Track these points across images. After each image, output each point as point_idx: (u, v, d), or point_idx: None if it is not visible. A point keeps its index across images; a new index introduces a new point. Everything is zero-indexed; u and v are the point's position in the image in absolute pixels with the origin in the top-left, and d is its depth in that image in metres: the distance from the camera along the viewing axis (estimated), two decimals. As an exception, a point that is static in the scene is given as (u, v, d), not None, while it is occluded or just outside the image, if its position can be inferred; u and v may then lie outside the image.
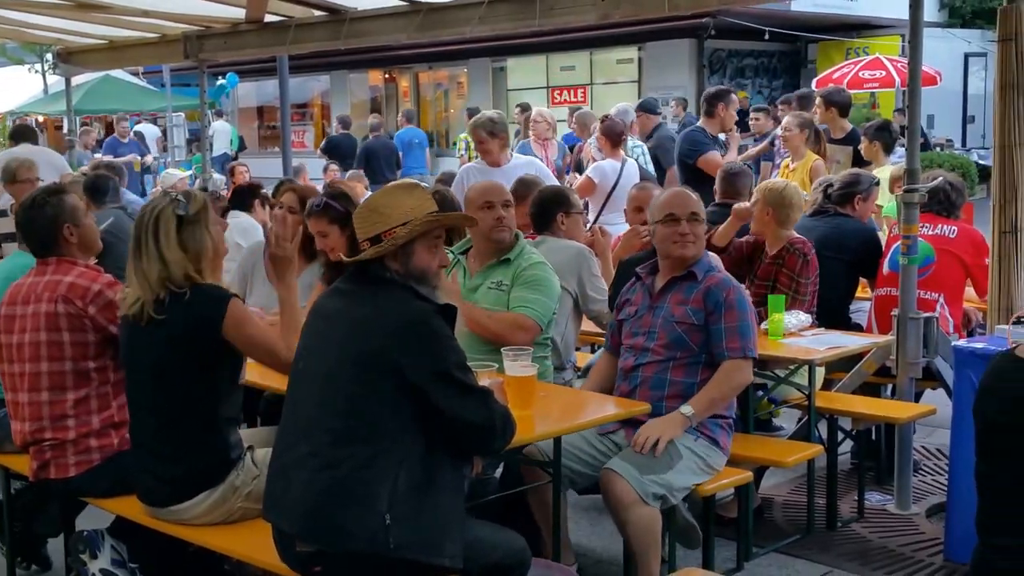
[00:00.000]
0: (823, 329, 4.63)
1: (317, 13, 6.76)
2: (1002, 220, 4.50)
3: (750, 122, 9.97)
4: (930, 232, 4.98)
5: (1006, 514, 2.63)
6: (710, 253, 4.14)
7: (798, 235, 4.89)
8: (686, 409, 3.59)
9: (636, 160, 8.20)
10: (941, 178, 4.91)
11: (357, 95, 25.04)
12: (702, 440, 3.65)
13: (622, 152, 7.34)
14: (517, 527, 3.35)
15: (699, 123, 7.55)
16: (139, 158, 15.29)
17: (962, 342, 4.26)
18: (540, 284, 4.02)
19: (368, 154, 12.34)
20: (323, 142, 15.43)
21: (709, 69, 19.30)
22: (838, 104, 7.44)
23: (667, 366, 3.73)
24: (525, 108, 11.76)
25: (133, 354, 3.26)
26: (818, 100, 7.66)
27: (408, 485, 2.65)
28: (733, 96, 7.18)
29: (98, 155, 13.76)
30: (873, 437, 5.13)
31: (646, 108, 9.22)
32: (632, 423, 3.66)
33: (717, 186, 5.63)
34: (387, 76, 24.85)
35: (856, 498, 4.71)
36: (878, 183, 5.44)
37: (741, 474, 3.81)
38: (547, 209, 4.62)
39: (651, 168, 8.51)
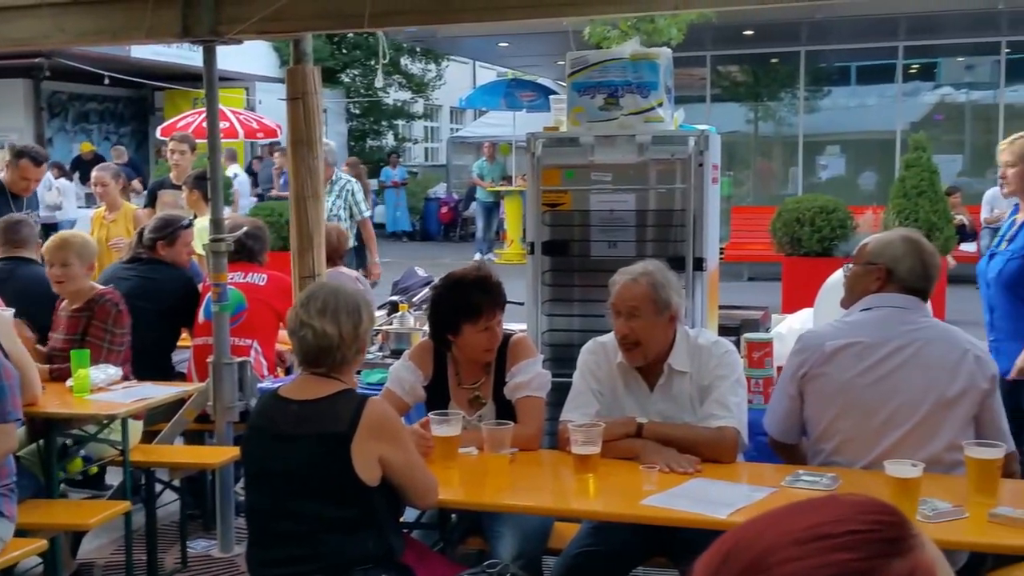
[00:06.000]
0: (136, 381, 4.56)
1: None
2: (301, 267, 4.84)
3: None
4: (242, 280, 5.18)
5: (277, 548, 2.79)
6: None
7: (102, 286, 4.78)
8: None
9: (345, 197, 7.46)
10: (244, 228, 5.14)
11: None
12: (-18, 516, 3.34)
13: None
14: None
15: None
16: None
17: (268, 382, 4.49)
18: None
19: None
20: None
21: (49, 112, 18.23)
22: (195, 147, 7.61)
23: None
24: None
25: None
26: (185, 146, 7.71)
27: None
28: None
29: None
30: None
31: None
32: None
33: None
34: None
35: (181, 548, 4.71)
36: (189, 225, 5.54)
37: (34, 543, 3.57)
38: None
39: (362, 207, 7.79)
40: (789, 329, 4.49)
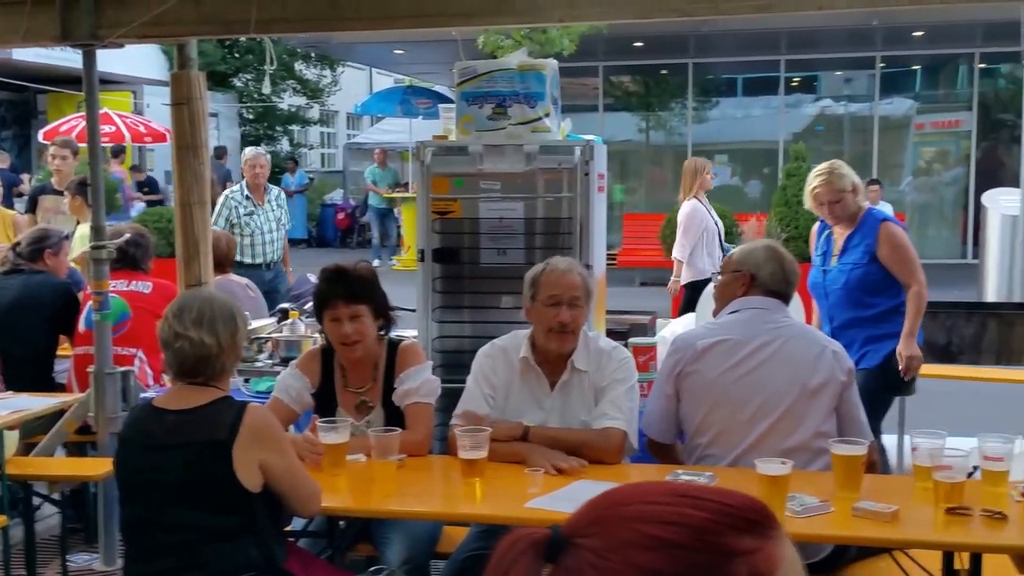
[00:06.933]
0: (11, 392, 4.43)
1: None
2: (188, 274, 4.77)
3: None
4: (125, 288, 5.08)
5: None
6: None
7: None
8: None
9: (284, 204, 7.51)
10: (127, 235, 5.05)
11: None
12: None
13: None
14: None
15: None
16: None
17: (154, 391, 4.41)
18: None
19: None
20: None
21: (-75, 115, 17.53)
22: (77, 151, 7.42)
23: None
24: None
25: None
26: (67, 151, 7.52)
27: None
28: None
29: None
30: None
31: None
32: None
33: None
34: None
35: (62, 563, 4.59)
36: (68, 236, 5.42)
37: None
38: None
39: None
40: (672, 333, 4.61)
